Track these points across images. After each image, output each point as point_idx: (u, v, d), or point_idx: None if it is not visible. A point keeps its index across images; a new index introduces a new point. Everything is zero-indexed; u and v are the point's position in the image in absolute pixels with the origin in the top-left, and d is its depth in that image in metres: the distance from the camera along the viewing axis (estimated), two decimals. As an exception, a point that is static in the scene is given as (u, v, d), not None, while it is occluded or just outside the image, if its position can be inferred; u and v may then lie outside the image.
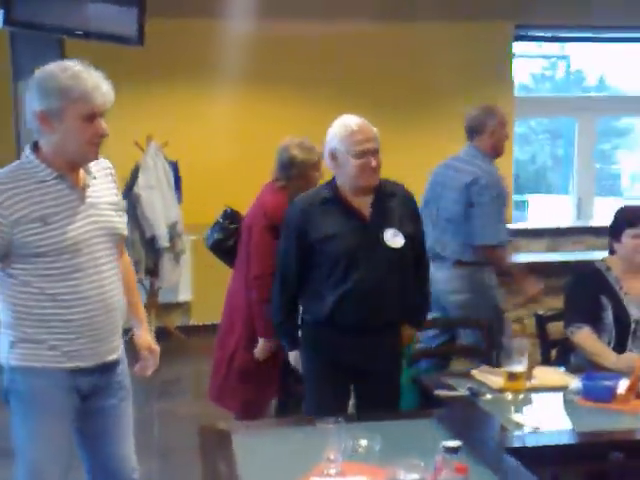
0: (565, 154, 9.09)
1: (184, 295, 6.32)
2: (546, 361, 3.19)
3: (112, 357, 2.29)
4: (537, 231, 6.05)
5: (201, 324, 6.36)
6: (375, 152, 2.72)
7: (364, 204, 2.78)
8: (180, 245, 5.89)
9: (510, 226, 6.39)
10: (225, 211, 3.78)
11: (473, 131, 3.91)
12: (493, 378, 2.72)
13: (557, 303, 4.19)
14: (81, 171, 2.21)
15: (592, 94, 7.56)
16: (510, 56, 7.18)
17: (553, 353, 3.29)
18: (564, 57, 8.52)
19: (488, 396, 2.58)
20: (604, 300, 3.01)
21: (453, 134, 6.91)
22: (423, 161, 6.93)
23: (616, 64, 7.64)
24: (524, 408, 2.49)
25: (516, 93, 7.27)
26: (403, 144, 6.91)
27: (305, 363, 2.86)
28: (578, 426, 2.35)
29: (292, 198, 3.02)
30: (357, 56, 6.71)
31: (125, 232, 2.34)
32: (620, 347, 2.98)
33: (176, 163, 6.03)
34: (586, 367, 2.90)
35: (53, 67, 2.12)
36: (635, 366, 2.78)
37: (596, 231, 5.78)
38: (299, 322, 2.87)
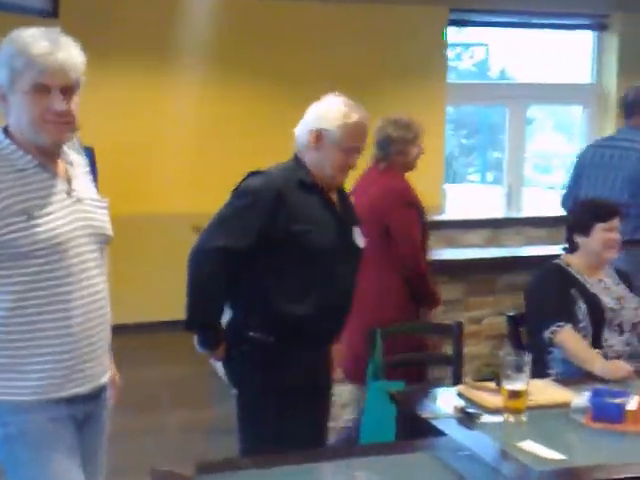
0: (478, 144, 9.04)
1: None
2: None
3: (105, 379, 1.97)
4: (475, 222, 5.83)
5: (118, 324, 5.89)
6: (360, 151, 2.48)
7: (334, 197, 2.52)
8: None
9: (445, 217, 6.24)
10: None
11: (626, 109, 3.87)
12: (485, 396, 2.42)
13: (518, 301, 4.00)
14: (62, 162, 1.91)
15: (525, 81, 7.43)
16: (443, 41, 6.98)
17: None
18: (484, 44, 8.40)
19: (484, 418, 2.28)
20: (574, 293, 2.86)
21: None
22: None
23: (546, 52, 7.54)
24: (529, 433, 2.19)
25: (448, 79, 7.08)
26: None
27: (260, 385, 2.45)
28: (594, 454, 2.07)
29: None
30: (296, 38, 6.39)
31: (112, 234, 1.99)
32: (597, 339, 2.83)
33: (91, 149, 5.51)
34: (569, 376, 2.69)
35: (8, 37, 1.82)
36: (624, 376, 2.59)
37: (539, 222, 5.66)
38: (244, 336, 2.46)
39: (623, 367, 2.64)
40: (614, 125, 7.13)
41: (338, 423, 3.46)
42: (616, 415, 2.22)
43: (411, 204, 3.37)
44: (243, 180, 2.46)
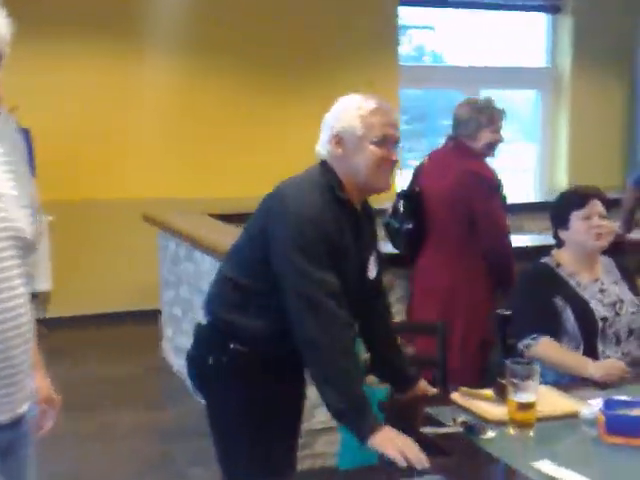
0: (425, 129, 8.86)
1: (42, 284, 5.43)
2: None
3: (26, 407, 1.67)
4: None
5: (61, 316, 5.61)
6: (397, 143, 2.13)
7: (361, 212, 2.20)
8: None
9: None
10: (406, 193, 3.49)
11: None
12: (484, 406, 2.20)
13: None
14: None
15: (479, 65, 7.25)
16: (395, 22, 6.76)
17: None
18: (431, 27, 8.20)
19: (490, 433, 2.05)
20: (560, 302, 2.60)
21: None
22: (311, 135, 6.48)
23: (500, 35, 7.39)
24: (542, 450, 1.97)
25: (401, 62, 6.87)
26: (288, 116, 6.39)
27: (236, 400, 2.15)
28: (619, 474, 1.86)
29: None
30: (231, 19, 6.13)
31: (33, 240, 1.62)
32: (591, 351, 2.59)
33: (28, 130, 5.12)
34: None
35: None
36: (617, 374, 2.41)
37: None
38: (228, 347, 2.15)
39: (618, 365, 2.46)
40: (568, 109, 7.04)
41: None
42: (635, 428, 2.02)
43: (495, 188, 3.32)
44: (282, 200, 2.07)
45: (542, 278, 2.69)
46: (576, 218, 2.66)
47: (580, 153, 7.06)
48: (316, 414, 3.24)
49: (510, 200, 5.93)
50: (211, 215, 5.03)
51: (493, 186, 3.32)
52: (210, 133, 6.26)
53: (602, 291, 2.67)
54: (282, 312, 2.04)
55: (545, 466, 1.85)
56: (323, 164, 2.14)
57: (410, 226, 3.42)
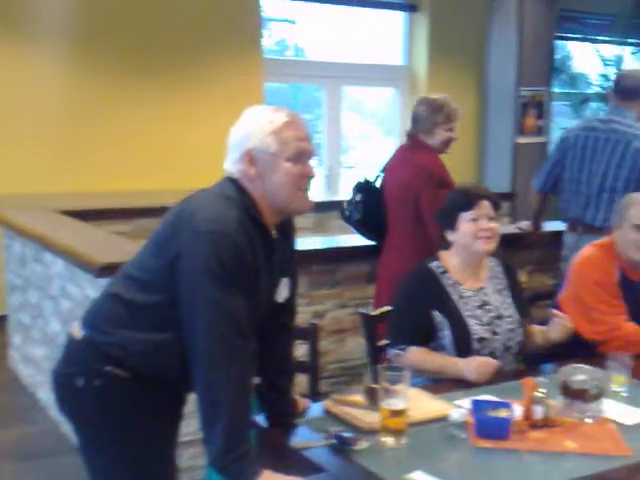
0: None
1: None
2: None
3: None
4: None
5: None
6: (312, 157, 1.98)
7: (274, 233, 2.04)
8: None
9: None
10: (360, 185, 3.63)
11: (633, 94, 3.76)
12: (357, 414, 2.14)
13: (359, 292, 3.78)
14: None
15: (340, 61, 7.27)
16: (258, 14, 6.65)
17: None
18: (292, 21, 8.16)
19: (363, 443, 1.99)
20: (439, 317, 2.56)
21: (206, 98, 6.34)
22: (171, 130, 6.28)
23: (359, 32, 7.43)
24: (415, 459, 1.94)
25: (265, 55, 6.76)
26: (146, 110, 6.15)
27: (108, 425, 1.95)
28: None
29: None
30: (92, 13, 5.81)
31: None
32: None
33: None
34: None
35: None
36: (488, 372, 2.43)
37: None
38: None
39: (488, 361, 2.45)
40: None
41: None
42: (502, 431, 2.03)
43: (443, 184, 3.40)
44: (193, 215, 1.88)
45: (424, 287, 2.61)
46: (464, 220, 2.60)
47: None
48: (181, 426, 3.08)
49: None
50: (65, 212, 4.72)
51: (442, 182, 3.43)
52: (62, 127, 5.91)
53: (483, 305, 2.62)
54: (179, 330, 1.88)
55: (418, 478, 1.81)
56: (233, 181, 1.97)
57: (358, 217, 3.65)
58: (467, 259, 2.64)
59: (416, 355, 2.51)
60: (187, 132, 6.16)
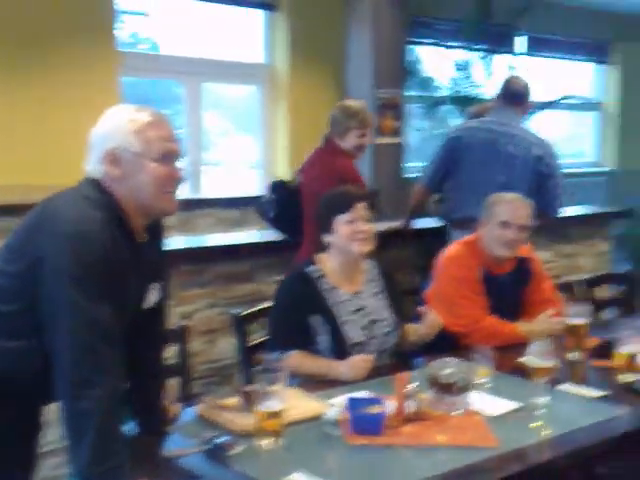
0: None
1: None
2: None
3: None
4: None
5: None
6: (179, 157, 1.91)
7: (143, 236, 1.94)
8: None
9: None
10: (275, 184, 3.73)
11: (521, 98, 3.93)
12: (232, 417, 2.10)
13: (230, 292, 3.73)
14: None
15: (199, 57, 7.14)
16: (111, 6, 6.41)
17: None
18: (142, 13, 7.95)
19: (239, 448, 1.96)
20: (315, 322, 2.55)
21: (63, 90, 6.03)
22: (22, 119, 5.93)
23: (221, 29, 7.34)
24: (293, 461, 1.92)
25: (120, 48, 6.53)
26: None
27: None
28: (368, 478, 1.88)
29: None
30: None
31: None
32: None
33: None
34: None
35: None
36: (364, 368, 2.45)
37: (230, 202, 5.49)
38: None
39: (363, 358, 2.47)
40: (286, 105, 7.20)
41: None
42: (376, 427, 2.06)
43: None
44: (54, 216, 1.79)
45: (301, 293, 2.57)
46: (340, 222, 2.59)
47: (297, 148, 7.25)
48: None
49: (242, 194, 6.03)
50: None
51: (345, 180, 3.50)
52: None
53: (360, 310, 2.63)
54: (35, 338, 1.77)
55: (297, 479, 1.80)
56: (95, 182, 1.86)
57: (273, 214, 3.86)
58: (344, 262, 2.64)
59: (296, 359, 2.49)
60: (45, 119, 5.85)
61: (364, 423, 2.06)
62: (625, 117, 9.74)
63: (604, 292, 3.98)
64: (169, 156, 1.88)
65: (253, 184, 7.21)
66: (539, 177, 3.84)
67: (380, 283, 2.74)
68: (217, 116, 7.59)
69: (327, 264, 2.65)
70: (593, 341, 2.78)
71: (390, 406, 2.13)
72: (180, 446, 1.98)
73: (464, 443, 2.01)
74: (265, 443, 1.97)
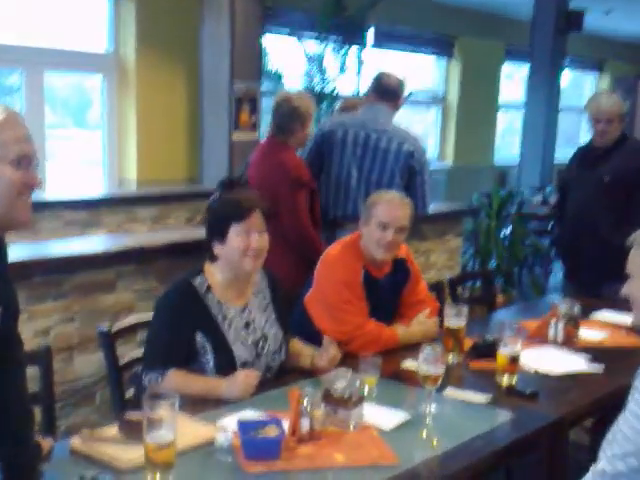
0: None
1: None
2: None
3: None
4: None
5: None
6: (34, 161, 1.69)
7: None
8: None
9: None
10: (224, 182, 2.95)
11: (394, 95, 3.92)
12: (113, 450, 1.92)
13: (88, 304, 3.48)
14: None
15: (42, 46, 6.68)
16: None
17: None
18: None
19: (124, 485, 1.79)
20: (200, 340, 2.38)
21: None
22: None
23: (62, 17, 6.89)
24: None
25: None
26: None
27: None
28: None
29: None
30: None
31: None
32: None
33: None
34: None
35: None
36: (252, 385, 2.32)
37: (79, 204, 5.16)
38: None
39: (250, 374, 2.32)
40: (135, 97, 6.90)
41: None
42: (272, 452, 1.95)
43: (299, 181, 3.65)
44: None
45: (186, 307, 2.38)
46: (234, 232, 2.41)
47: (148, 144, 6.97)
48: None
49: (82, 194, 5.67)
50: None
51: (299, 180, 3.66)
52: None
53: (247, 325, 2.48)
54: None
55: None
56: None
57: None
58: (232, 275, 2.47)
59: (175, 380, 2.32)
60: None
61: (258, 448, 1.95)
62: (463, 112, 10.13)
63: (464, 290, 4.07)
64: (24, 159, 1.67)
65: (98, 184, 6.84)
66: (410, 174, 3.86)
67: (268, 295, 2.62)
68: (54, 109, 7.13)
69: (215, 276, 2.48)
70: (468, 342, 2.82)
71: (284, 426, 2.03)
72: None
73: (363, 462, 1.94)
74: (156, 479, 1.81)
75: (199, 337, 2.39)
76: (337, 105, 5.20)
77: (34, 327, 3.20)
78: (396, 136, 3.87)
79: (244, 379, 2.32)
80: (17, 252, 3.24)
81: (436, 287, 3.45)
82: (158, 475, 1.80)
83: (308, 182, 3.74)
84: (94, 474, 1.79)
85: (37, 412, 2.26)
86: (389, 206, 2.89)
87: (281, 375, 2.56)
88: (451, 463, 1.98)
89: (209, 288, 2.45)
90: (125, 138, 6.97)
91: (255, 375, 2.35)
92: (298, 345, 2.68)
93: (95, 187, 6.69)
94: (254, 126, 6.90)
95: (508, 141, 11.42)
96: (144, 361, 2.43)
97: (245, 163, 4.05)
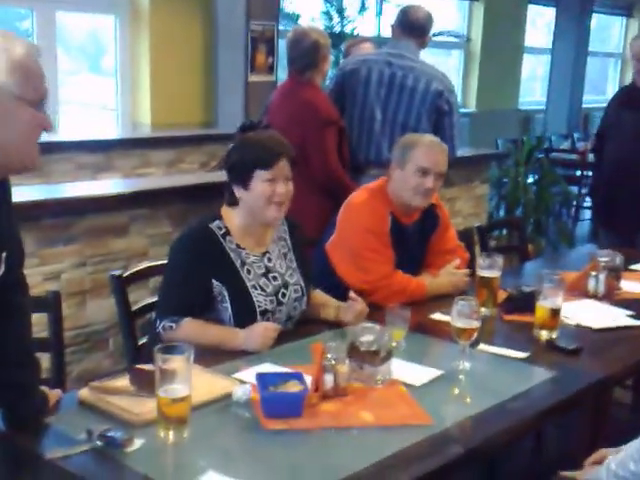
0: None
1: None
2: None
3: None
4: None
5: None
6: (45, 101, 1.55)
7: None
8: None
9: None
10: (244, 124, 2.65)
11: (421, 30, 3.68)
12: (125, 403, 1.79)
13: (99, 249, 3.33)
14: None
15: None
16: None
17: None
18: None
19: (137, 443, 1.65)
20: (218, 286, 2.23)
21: None
22: None
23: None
24: (203, 456, 1.64)
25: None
26: None
27: None
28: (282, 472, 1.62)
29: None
30: None
31: None
32: None
33: None
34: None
35: None
36: (272, 338, 2.19)
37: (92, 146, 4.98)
38: None
39: (270, 327, 2.19)
40: (148, 36, 6.67)
41: None
42: (294, 408, 1.80)
43: (328, 120, 3.53)
44: None
45: (203, 252, 2.23)
46: (259, 179, 2.24)
47: (162, 87, 6.76)
48: None
49: (96, 137, 5.50)
50: None
51: (328, 119, 3.53)
52: None
53: (268, 272, 2.32)
54: None
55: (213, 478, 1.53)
56: None
57: None
58: (252, 221, 2.31)
59: (190, 328, 2.18)
60: None
61: (280, 404, 1.80)
62: (486, 55, 9.77)
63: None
64: (43, 99, 1.54)
65: (111, 127, 6.66)
66: (438, 115, 3.62)
67: (289, 242, 2.45)
68: (67, 52, 6.91)
69: (233, 220, 2.32)
70: (502, 294, 2.65)
71: (307, 381, 1.88)
72: (64, 444, 1.64)
73: (395, 422, 1.79)
74: (168, 435, 1.67)
75: (216, 283, 2.23)
76: (343, 46, 4.92)
77: (43, 271, 3.06)
78: (424, 74, 3.60)
79: (263, 332, 2.18)
80: (26, 193, 3.11)
81: (465, 235, 3.26)
82: (171, 431, 1.67)
83: (337, 120, 3.59)
84: (103, 430, 1.65)
85: (46, 359, 2.14)
86: (429, 150, 2.68)
87: (302, 325, 2.41)
88: (488, 425, 1.83)
89: (227, 232, 2.29)
90: (139, 80, 6.76)
91: (275, 328, 2.20)
92: (322, 296, 2.52)
93: (109, 131, 6.51)
94: (271, 68, 6.65)
95: (530, 86, 11.07)
96: (157, 307, 2.28)
97: (264, 107, 3.85)
